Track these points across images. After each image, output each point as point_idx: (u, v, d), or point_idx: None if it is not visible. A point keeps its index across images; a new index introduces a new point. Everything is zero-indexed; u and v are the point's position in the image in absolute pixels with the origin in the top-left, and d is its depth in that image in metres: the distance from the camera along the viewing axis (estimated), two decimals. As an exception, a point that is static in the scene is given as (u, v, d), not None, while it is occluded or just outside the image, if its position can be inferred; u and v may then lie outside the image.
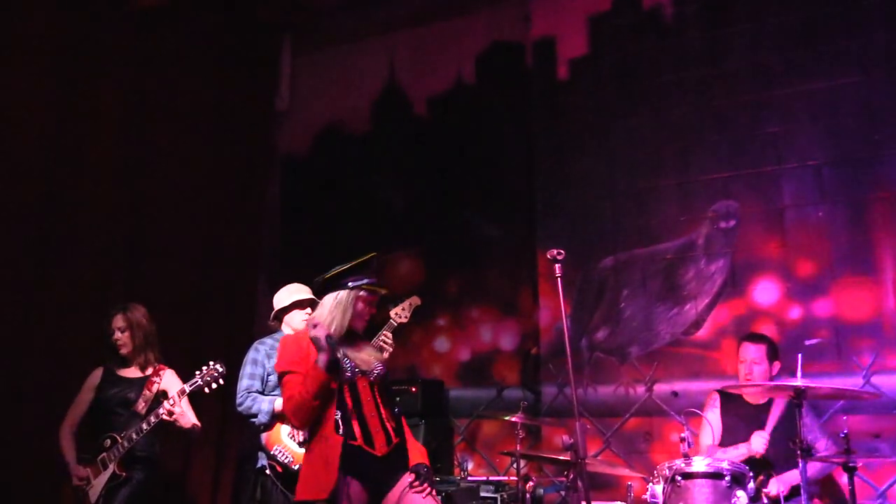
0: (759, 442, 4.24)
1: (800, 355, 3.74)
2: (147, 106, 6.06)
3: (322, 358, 3.26)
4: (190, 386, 4.29)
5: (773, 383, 4.20)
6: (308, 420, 3.40)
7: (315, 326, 3.29)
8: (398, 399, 5.51)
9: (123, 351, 4.56)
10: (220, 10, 6.56)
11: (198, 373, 4.32)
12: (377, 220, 6.77)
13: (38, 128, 5.32)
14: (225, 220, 6.48)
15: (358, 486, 3.34)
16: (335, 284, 3.51)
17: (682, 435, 3.88)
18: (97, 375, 4.57)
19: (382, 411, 3.49)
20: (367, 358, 3.52)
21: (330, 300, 3.50)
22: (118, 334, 4.54)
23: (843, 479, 4.50)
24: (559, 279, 3.39)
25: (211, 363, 4.37)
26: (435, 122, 6.73)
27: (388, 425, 3.47)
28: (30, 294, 5.11)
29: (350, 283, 3.47)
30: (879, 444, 4.72)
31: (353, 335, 3.55)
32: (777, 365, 4.56)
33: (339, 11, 7.11)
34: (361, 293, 3.49)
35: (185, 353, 5.39)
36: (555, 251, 3.41)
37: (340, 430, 3.19)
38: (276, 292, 4.84)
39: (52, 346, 5.13)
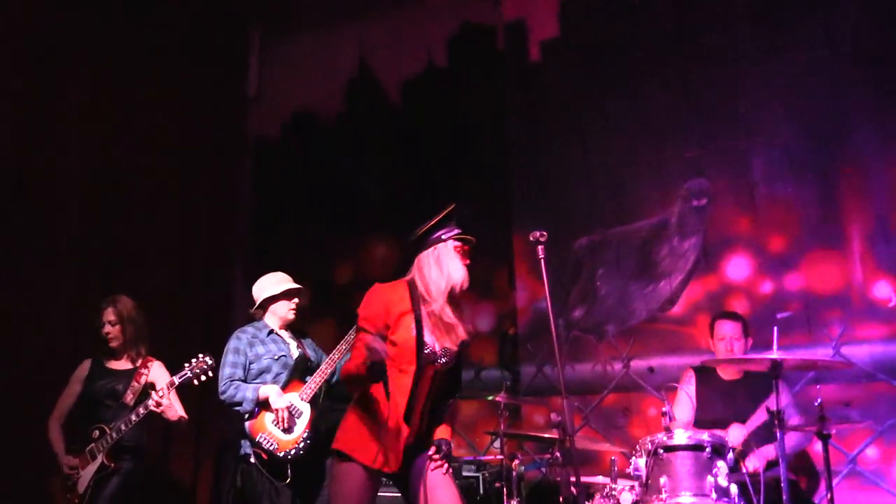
0: (736, 435, 4.32)
1: (775, 328, 3.82)
2: (117, 93, 5.99)
3: (369, 361, 3.09)
4: (179, 378, 4.30)
5: (752, 356, 4.30)
6: (354, 389, 3.33)
7: (372, 350, 3.08)
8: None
9: (114, 344, 4.57)
10: (189, -5, 6.50)
11: (187, 365, 4.32)
12: (351, 205, 6.76)
13: (7, 118, 5.24)
14: (198, 208, 6.46)
15: (368, 479, 3.31)
16: (425, 242, 3.42)
17: (664, 409, 3.96)
18: (85, 367, 4.58)
19: (429, 403, 3.40)
20: (447, 341, 3.35)
21: (429, 258, 3.39)
22: (108, 328, 4.55)
23: (816, 446, 4.68)
24: (542, 260, 3.41)
25: (200, 356, 4.38)
26: (407, 106, 6.73)
27: (425, 418, 3.39)
28: (5, 287, 5.04)
29: (444, 236, 3.40)
30: (849, 412, 4.87)
31: (456, 302, 3.40)
32: (750, 341, 4.67)
33: (309, -5, 7.09)
34: (456, 243, 3.41)
35: (162, 343, 5.34)
36: (537, 233, 3.43)
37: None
38: (251, 279, 4.84)
39: (28, 340, 5.07)
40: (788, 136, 5.31)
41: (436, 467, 3.31)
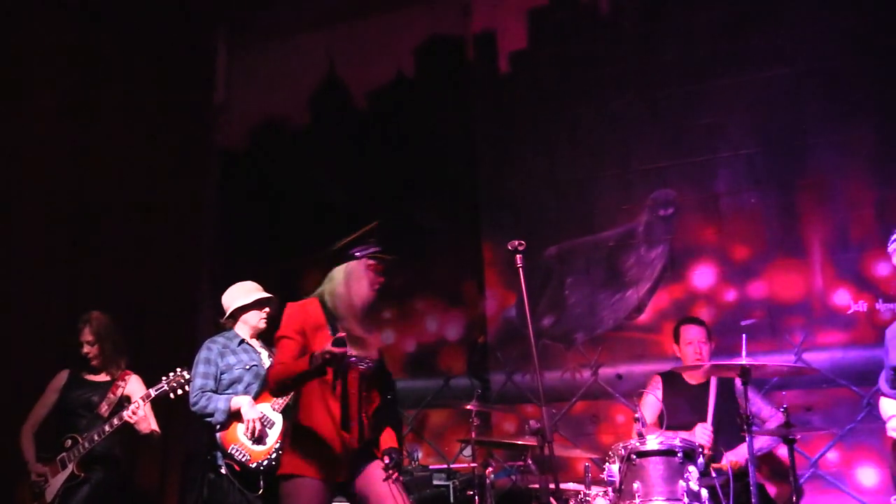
0: (702, 434, 4.42)
1: (744, 336, 3.92)
2: (82, 101, 5.93)
3: (315, 362, 3.21)
4: (155, 391, 4.30)
5: (721, 361, 4.40)
6: (281, 393, 3.55)
7: (341, 344, 3.19)
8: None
9: (95, 363, 4.59)
10: (154, 1, 6.43)
11: (164, 378, 4.32)
12: (319, 213, 6.75)
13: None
14: (164, 216, 6.40)
15: (319, 484, 3.39)
16: (341, 257, 3.53)
17: (636, 415, 4.04)
18: (62, 377, 4.58)
19: (363, 406, 3.50)
20: (364, 350, 3.50)
21: (340, 273, 3.52)
22: (87, 347, 4.56)
23: (780, 450, 4.81)
24: (521, 269, 3.47)
25: (178, 370, 4.38)
26: (375, 115, 6.75)
27: (364, 421, 3.49)
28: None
29: (357, 253, 3.49)
30: (811, 417, 5.01)
31: (365, 316, 3.53)
32: (713, 344, 4.79)
33: (276, 3, 7.07)
34: (370, 261, 3.50)
35: (128, 353, 5.31)
36: (516, 242, 3.50)
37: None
38: (217, 289, 4.81)
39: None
40: (751, 148, 5.46)
41: (386, 477, 3.40)
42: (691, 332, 4.74)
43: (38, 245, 5.48)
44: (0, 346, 5.08)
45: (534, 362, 3.32)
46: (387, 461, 3.43)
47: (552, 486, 3.24)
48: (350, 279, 3.49)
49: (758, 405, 4.57)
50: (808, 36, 5.39)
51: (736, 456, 4.36)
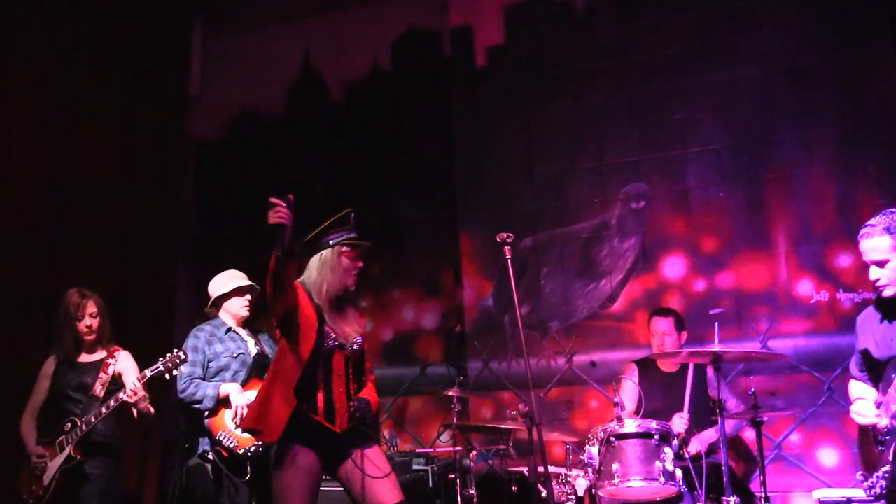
0: (679, 423, 4.60)
1: (717, 324, 4.12)
2: (58, 90, 5.88)
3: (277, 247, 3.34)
4: (151, 371, 4.25)
5: (696, 349, 4.60)
6: (277, 296, 3.46)
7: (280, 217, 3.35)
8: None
9: (89, 338, 4.49)
10: (129, -10, 6.42)
11: (161, 359, 4.28)
12: (296, 205, 6.76)
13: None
14: (141, 207, 6.39)
15: (311, 455, 3.47)
16: (316, 245, 3.59)
17: (615, 400, 4.22)
18: (51, 362, 4.49)
19: (351, 387, 3.59)
20: (349, 331, 3.57)
21: (315, 261, 3.58)
22: (90, 320, 4.46)
23: (746, 433, 5.05)
24: (509, 260, 3.61)
25: (175, 350, 4.34)
26: (352, 107, 6.81)
27: (350, 405, 3.56)
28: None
29: (331, 241, 3.56)
30: (776, 401, 5.24)
31: (342, 302, 3.60)
32: (685, 334, 5.00)
33: (252, -6, 7.09)
34: (344, 248, 3.56)
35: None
36: (504, 234, 3.62)
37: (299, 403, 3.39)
38: (194, 279, 4.85)
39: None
40: (720, 144, 5.66)
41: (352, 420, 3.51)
42: (656, 325, 4.97)
43: (12, 234, 5.44)
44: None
45: (521, 348, 3.46)
46: (354, 407, 3.54)
47: (540, 468, 3.37)
48: (325, 268, 3.56)
49: (724, 393, 4.79)
50: (776, 37, 5.60)
51: (701, 442, 4.58)
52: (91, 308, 4.48)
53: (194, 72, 7.18)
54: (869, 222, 3.23)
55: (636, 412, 4.80)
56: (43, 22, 5.79)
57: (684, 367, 4.87)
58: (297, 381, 3.45)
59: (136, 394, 4.23)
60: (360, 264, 3.61)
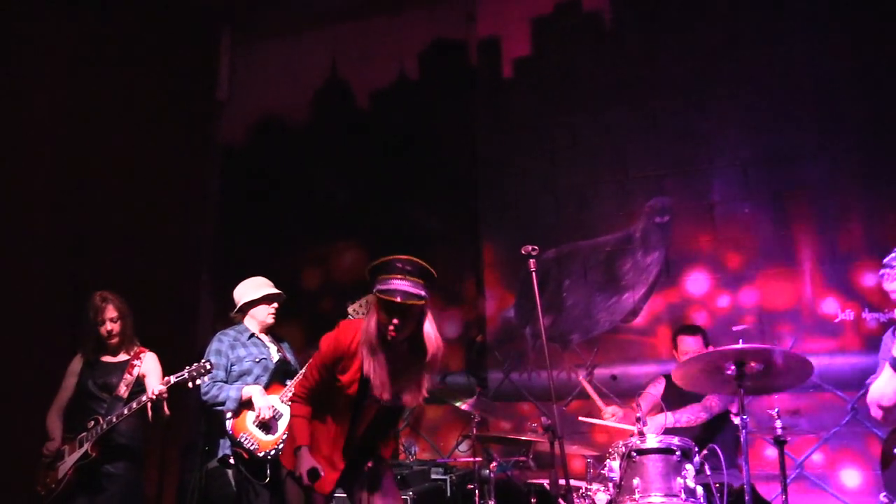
0: (612, 414, 4.69)
1: (741, 341, 4.08)
2: (87, 94, 5.96)
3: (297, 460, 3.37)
4: (176, 378, 4.28)
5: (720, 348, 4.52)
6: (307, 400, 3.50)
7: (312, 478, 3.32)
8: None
9: (114, 341, 4.53)
10: (159, -3, 6.50)
11: (187, 367, 4.31)
12: (319, 212, 6.85)
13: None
14: (165, 210, 6.46)
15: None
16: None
17: (638, 414, 4.20)
18: (77, 361, 4.54)
19: (366, 436, 3.56)
20: (389, 384, 3.38)
21: (369, 303, 3.63)
22: (110, 325, 4.50)
23: (767, 451, 5.01)
24: (533, 273, 3.60)
25: (203, 360, 4.37)
26: (377, 115, 6.86)
27: (364, 445, 3.56)
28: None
29: (376, 287, 3.28)
30: (799, 420, 5.19)
31: (394, 352, 3.37)
32: (710, 350, 4.96)
33: (281, 2, 7.14)
34: (380, 298, 3.25)
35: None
36: (529, 247, 3.62)
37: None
38: (217, 283, 4.87)
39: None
40: (745, 160, 5.64)
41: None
42: (686, 343, 4.92)
43: (38, 236, 5.51)
44: (9, 335, 5.10)
45: (546, 361, 3.46)
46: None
47: (562, 481, 3.36)
48: (370, 310, 3.37)
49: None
50: (802, 55, 5.59)
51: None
52: (111, 312, 4.52)
53: (222, 77, 7.27)
54: (892, 259, 3.18)
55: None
56: (73, 24, 5.87)
57: None
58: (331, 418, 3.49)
59: (160, 395, 4.26)
60: (396, 321, 3.25)
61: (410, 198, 6.58)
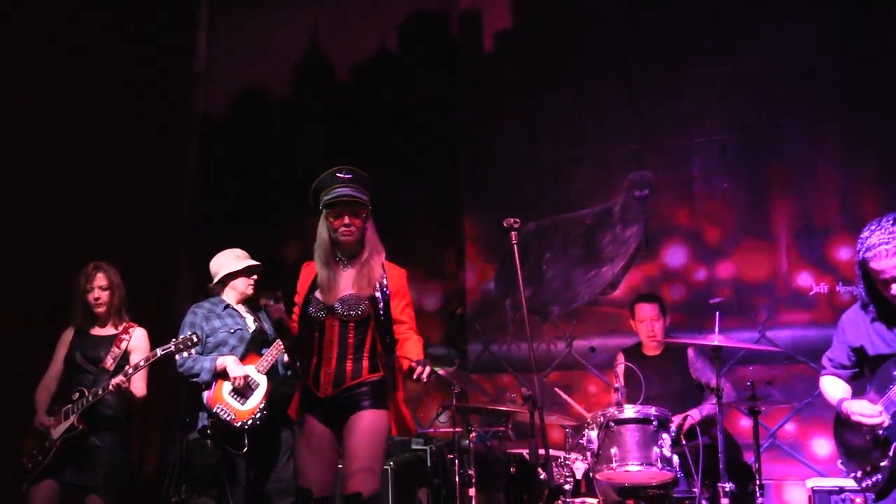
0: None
1: (717, 313, 4.17)
2: (61, 65, 5.86)
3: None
4: (163, 350, 4.25)
5: (697, 342, 4.66)
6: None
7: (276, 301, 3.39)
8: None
9: (100, 310, 4.49)
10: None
11: (173, 340, 4.29)
12: (299, 184, 6.76)
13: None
14: (143, 183, 6.38)
15: (314, 422, 3.49)
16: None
17: (616, 385, 4.27)
18: (69, 334, 4.52)
19: (348, 352, 3.46)
20: (345, 296, 3.47)
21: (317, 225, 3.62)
22: (98, 293, 4.47)
23: (742, 421, 5.11)
24: (515, 246, 3.64)
25: (188, 332, 4.36)
26: (357, 88, 6.80)
27: (346, 366, 3.44)
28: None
29: (320, 206, 3.59)
30: (772, 391, 5.29)
31: (347, 264, 3.56)
32: (668, 319, 5.05)
33: (260, -28, 7.07)
34: (326, 210, 3.55)
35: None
36: (511, 220, 3.65)
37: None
38: (195, 256, 4.84)
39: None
40: (725, 135, 5.70)
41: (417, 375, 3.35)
42: (644, 311, 5.01)
43: (16, 211, 5.45)
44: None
45: (527, 333, 3.50)
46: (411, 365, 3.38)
47: (541, 451, 3.41)
48: (320, 230, 3.59)
49: (707, 375, 4.83)
50: (783, 30, 5.62)
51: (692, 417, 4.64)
52: (101, 281, 4.49)
53: (200, 48, 7.16)
54: (882, 240, 3.15)
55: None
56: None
57: (667, 350, 4.96)
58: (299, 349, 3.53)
59: (137, 367, 4.27)
60: (346, 220, 3.51)
61: (391, 171, 6.52)
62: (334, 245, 3.56)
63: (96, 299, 4.49)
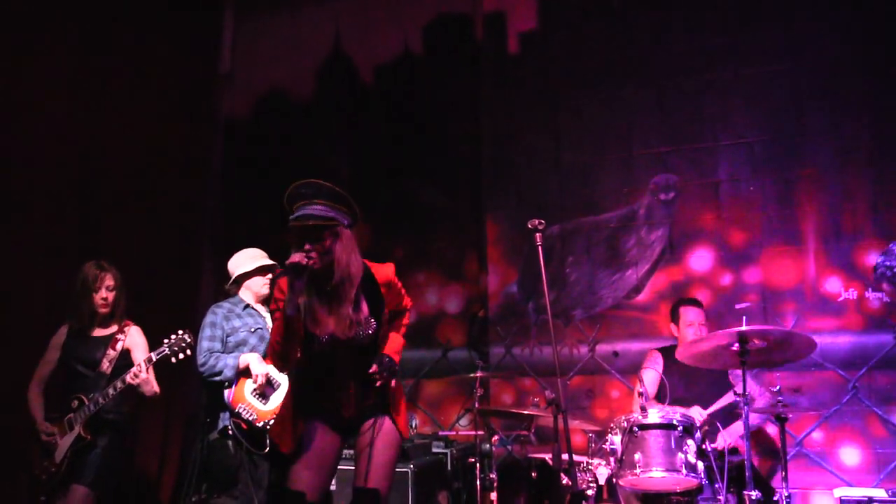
0: (698, 415, 4.53)
1: (744, 318, 4.09)
2: (88, 67, 5.91)
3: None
4: (157, 354, 4.21)
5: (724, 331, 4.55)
6: (279, 363, 3.31)
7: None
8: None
9: (104, 310, 4.45)
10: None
11: (165, 341, 4.23)
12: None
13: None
14: (168, 184, 6.42)
15: (323, 429, 3.38)
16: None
17: (640, 390, 4.21)
18: (62, 333, 4.46)
19: (362, 370, 3.32)
20: (339, 326, 3.24)
21: None
22: (105, 293, 4.43)
23: (769, 428, 5.03)
24: (539, 248, 3.61)
25: (180, 332, 4.27)
26: (381, 90, 6.80)
27: (366, 385, 3.32)
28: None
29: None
30: (799, 398, 5.22)
31: (332, 291, 3.20)
32: (710, 326, 4.97)
33: (284, -25, 7.09)
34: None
35: (130, 316, 5.34)
36: (536, 221, 3.63)
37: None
38: (219, 256, 4.85)
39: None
40: (752, 138, 5.62)
41: (372, 373, 3.24)
42: (691, 314, 4.92)
43: (43, 209, 5.50)
44: (12, 306, 5.09)
45: (551, 336, 3.47)
46: (374, 368, 3.25)
47: (564, 456, 3.38)
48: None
49: (749, 384, 4.75)
50: (811, 32, 5.55)
51: (730, 435, 4.55)
52: (108, 281, 4.45)
53: (224, 51, 7.20)
54: None
55: (656, 399, 4.78)
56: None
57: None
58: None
59: (137, 376, 4.19)
60: (307, 246, 3.13)
61: (414, 173, 6.55)
62: (300, 268, 3.15)
63: (104, 299, 4.44)
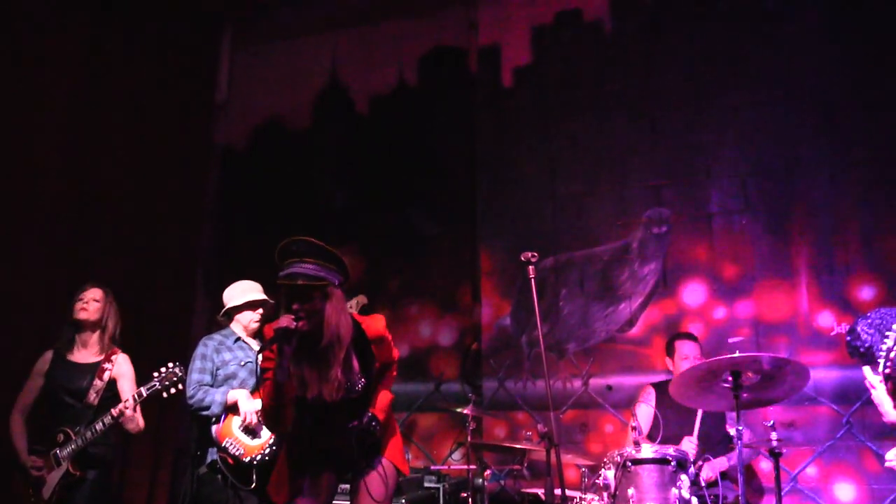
0: (688, 446, 4.55)
1: (737, 352, 4.08)
2: (86, 95, 5.96)
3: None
4: (147, 390, 4.15)
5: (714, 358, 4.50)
6: (271, 425, 3.35)
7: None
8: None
9: (82, 316, 4.35)
10: (161, -1, 6.49)
11: (155, 375, 4.18)
12: (317, 216, 6.83)
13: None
14: (163, 213, 6.43)
15: (323, 472, 3.43)
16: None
17: (633, 424, 4.19)
18: (46, 360, 4.38)
19: (347, 426, 3.33)
20: (326, 389, 3.21)
21: None
22: (87, 303, 4.35)
23: (762, 464, 5.00)
24: (532, 280, 3.61)
25: (170, 365, 4.22)
26: (377, 121, 6.84)
27: (349, 441, 3.33)
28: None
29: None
30: (793, 433, 5.19)
31: (323, 352, 3.18)
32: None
33: (282, 6, 7.15)
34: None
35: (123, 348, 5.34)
36: (529, 253, 3.63)
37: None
38: (213, 287, 4.83)
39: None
40: (744, 172, 5.64)
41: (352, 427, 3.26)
42: (686, 348, 4.92)
43: (37, 236, 5.49)
44: (6, 334, 5.06)
45: (544, 369, 3.45)
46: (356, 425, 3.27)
47: (557, 490, 3.35)
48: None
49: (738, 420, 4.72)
50: (805, 66, 5.59)
51: (712, 469, 4.52)
52: (93, 293, 4.39)
53: (221, 80, 7.24)
54: None
55: (649, 437, 4.76)
56: (71, 25, 5.86)
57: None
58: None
59: (123, 413, 4.14)
60: (295, 306, 3.07)
61: (409, 204, 6.57)
62: (287, 330, 3.10)
63: (82, 310, 4.36)
